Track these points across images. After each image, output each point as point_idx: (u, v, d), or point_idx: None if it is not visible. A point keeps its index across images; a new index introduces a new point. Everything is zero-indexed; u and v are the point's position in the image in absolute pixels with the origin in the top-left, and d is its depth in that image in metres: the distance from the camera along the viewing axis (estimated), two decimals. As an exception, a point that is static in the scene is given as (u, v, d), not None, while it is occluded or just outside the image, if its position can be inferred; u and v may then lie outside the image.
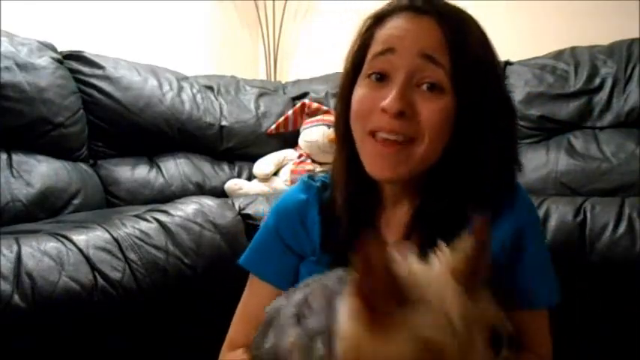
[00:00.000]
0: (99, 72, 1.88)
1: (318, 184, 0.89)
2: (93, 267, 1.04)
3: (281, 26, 2.79)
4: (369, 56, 0.80)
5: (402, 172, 0.78)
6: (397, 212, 0.84)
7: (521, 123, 1.91)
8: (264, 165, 2.05)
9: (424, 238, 0.76)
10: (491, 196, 0.80)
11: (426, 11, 0.78)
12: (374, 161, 0.78)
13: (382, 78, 0.78)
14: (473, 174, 0.79)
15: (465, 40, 0.78)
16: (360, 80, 0.81)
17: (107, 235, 1.12)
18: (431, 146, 0.77)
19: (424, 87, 0.76)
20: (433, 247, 0.60)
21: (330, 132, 1.90)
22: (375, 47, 0.79)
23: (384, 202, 0.84)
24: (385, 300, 0.48)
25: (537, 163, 1.75)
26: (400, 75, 0.76)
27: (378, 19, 0.81)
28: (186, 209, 1.31)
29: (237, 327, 0.87)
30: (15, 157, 1.55)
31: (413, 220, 0.81)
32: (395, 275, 0.48)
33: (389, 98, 0.75)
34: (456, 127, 0.77)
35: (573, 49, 1.92)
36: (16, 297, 0.91)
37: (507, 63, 2.03)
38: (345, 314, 0.51)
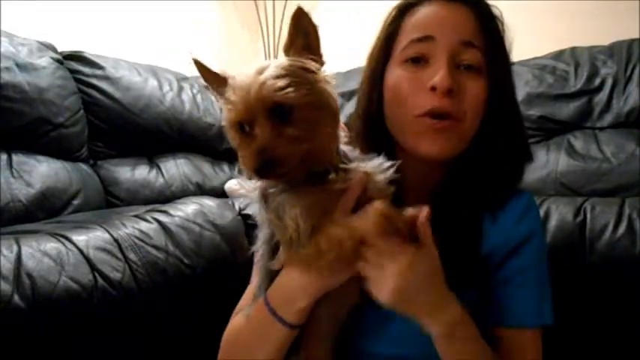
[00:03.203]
0: (99, 72, 1.88)
1: None
2: (93, 267, 1.04)
3: (281, 26, 2.79)
4: (404, 42, 0.81)
5: (452, 149, 0.80)
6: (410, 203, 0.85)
7: (521, 123, 1.91)
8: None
9: (441, 221, 0.77)
10: (502, 184, 0.84)
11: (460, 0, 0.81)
12: (426, 139, 0.79)
13: (419, 61, 0.80)
14: (493, 160, 0.82)
15: (495, 26, 0.82)
16: (394, 66, 0.82)
17: (107, 236, 1.12)
18: (472, 125, 0.80)
19: (462, 68, 0.79)
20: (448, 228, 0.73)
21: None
22: (410, 34, 0.81)
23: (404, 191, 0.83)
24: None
25: (537, 163, 1.75)
26: (442, 57, 0.78)
27: (407, 8, 0.83)
28: (186, 209, 1.31)
29: (248, 293, 0.89)
30: (15, 158, 1.55)
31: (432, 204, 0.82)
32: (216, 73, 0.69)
33: (438, 75, 0.77)
34: (487, 110, 0.81)
35: (573, 49, 1.92)
36: (16, 297, 0.91)
37: (507, 63, 2.03)
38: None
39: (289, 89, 0.63)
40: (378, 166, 0.73)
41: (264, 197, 0.71)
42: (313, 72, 0.67)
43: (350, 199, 0.69)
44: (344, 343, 0.80)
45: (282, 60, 0.66)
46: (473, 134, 0.82)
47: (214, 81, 0.70)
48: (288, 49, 0.67)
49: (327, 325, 0.77)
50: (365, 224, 0.65)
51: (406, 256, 0.66)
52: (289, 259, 0.70)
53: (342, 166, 0.71)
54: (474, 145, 0.82)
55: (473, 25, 0.80)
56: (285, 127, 0.64)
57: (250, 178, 0.68)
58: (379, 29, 0.87)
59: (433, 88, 0.77)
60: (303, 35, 0.66)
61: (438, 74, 0.77)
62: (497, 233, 0.82)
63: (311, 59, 0.67)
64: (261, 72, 0.64)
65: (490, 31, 0.81)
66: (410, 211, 0.68)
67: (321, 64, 0.68)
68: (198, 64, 0.70)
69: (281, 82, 0.63)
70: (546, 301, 0.82)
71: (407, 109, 0.80)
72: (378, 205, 0.66)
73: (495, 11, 0.84)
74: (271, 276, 0.75)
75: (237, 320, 0.84)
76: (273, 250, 0.72)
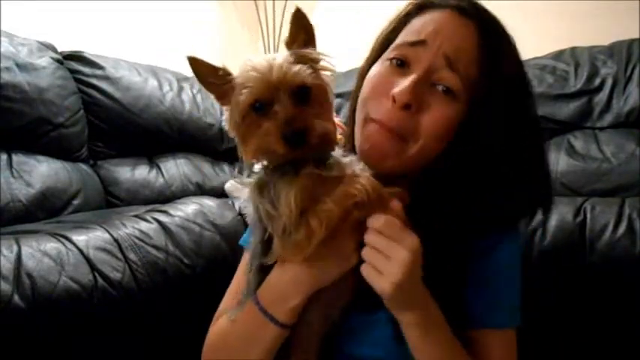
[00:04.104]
0: (99, 72, 1.88)
1: None
2: (93, 267, 1.04)
3: (281, 26, 2.79)
4: (398, 41, 0.80)
5: (390, 166, 0.78)
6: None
7: (521, 123, 1.91)
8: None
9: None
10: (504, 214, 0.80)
11: (470, 15, 0.78)
12: (365, 147, 0.79)
13: (402, 64, 0.78)
14: (475, 182, 0.78)
15: (501, 54, 0.78)
16: (381, 61, 0.82)
17: (107, 236, 1.12)
18: (425, 151, 0.77)
19: (440, 88, 0.76)
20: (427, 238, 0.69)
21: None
22: (407, 35, 0.80)
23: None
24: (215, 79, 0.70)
25: (537, 163, 1.75)
26: (419, 68, 0.76)
27: (420, 8, 0.81)
28: (186, 209, 1.31)
29: (227, 299, 0.89)
30: (15, 158, 1.55)
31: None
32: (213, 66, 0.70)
33: (401, 86, 0.75)
34: (459, 135, 0.77)
35: (573, 49, 1.91)
36: (16, 297, 0.91)
37: (507, 63, 2.03)
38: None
39: (307, 72, 0.67)
40: (362, 168, 0.74)
41: (260, 189, 0.71)
42: (317, 61, 0.70)
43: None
44: (329, 346, 0.79)
45: (288, 52, 0.70)
46: (428, 156, 0.78)
47: (211, 75, 0.70)
48: (291, 44, 0.70)
49: (317, 327, 0.76)
50: (349, 190, 0.66)
51: (412, 245, 0.66)
52: (282, 249, 0.69)
53: (334, 157, 0.72)
54: (442, 162, 0.79)
55: (471, 45, 0.76)
56: (303, 105, 0.67)
57: (269, 155, 0.68)
58: (387, 22, 0.85)
59: (393, 100, 0.76)
60: (304, 31, 0.70)
61: (401, 86, 0.75)
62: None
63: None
64: (275, 58, 0.68)
65: (492, 59, 0.77)
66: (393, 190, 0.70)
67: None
68: (193, 61, 0.70)
69: (299, 67, 0.67)
70: (515, 302, 0.81)
71: (366, 106, 0.80)
72: (362, 175, 0.69)
73: (508, 39, 0.81)
74: (260, 278, 0.75)
75: (220, 324, 0.83)
76: (266, 247, 0.72)
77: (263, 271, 0.74)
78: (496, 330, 0.79)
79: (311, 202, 0.67)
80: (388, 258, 0.66)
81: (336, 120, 0.73)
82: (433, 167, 0.79)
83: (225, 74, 0.70)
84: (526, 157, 0.80)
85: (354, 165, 0.73)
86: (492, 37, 0.78)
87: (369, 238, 0.68)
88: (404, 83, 0.75)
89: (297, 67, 0.67)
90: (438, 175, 0.79)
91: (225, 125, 0.72)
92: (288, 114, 0.65)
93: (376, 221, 0.68)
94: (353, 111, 0.87)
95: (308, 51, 0.70)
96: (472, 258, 0.78)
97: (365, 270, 0.68)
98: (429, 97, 0.76)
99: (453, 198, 0.78)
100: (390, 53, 0.80)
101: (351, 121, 0.87)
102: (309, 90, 0.67)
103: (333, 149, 0.73)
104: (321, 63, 0.71)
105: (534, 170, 0.81)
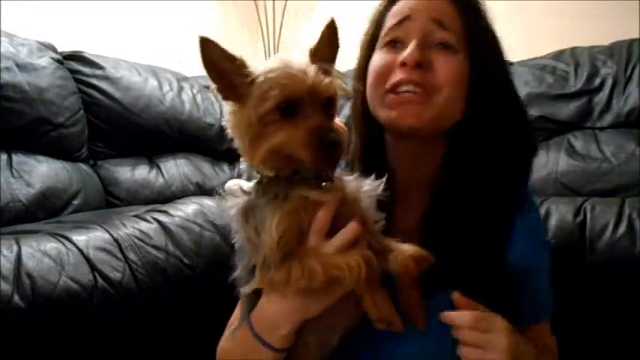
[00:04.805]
0: (99, 72, 1.87)
1: None
2: (93, 267, 1.04)
3: (281, 26, 2.79)
4: (383, 32, 0.84)
5: (426, 120, 0.79)
6: (410, 202, 0.85)
7: (521, 123, 1.91)
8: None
9: (442, 226, 0.80)
10: (507, 184, 0.83)
11: None
12: (397, 111, 0.80)
13: (396, 44, 0.82)
14: (488, 155, 0.81)
15: (476, 9, 0.83)
16: (376, 53, 0.85)
17: (107, 236, 1.12)
18: (450, 99, 0.80)
19: (439, 46, 0.80)
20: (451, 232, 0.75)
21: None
22: (391, 19, 0.84)
23: (398, 192, 0.84)
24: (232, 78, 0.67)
25: (537, 163, 1.73)
26: (414, 37, 0.80)
27: (390, 2, 0.86)
28: (186, 209, 1.31)
29: (238, 309, 0.88)
30: (15, 158, 1.55)
31: (430, 210, 0.83)
32: (233, 58, 0.67)
33: (406, 51, 0.79)
34: (471, 93, 0.81)
35: (573, 49, 1.91)
36: (16, 297, 0.91)
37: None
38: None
39: (337, 85, 0.67)
40: (368, 189, 0.73)
41: (246, 214, 0.69)
42: (337, 79, 0.70)
43: (323, 219, 0.68)
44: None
45: (313, 64, 0.68)
46: (454, 116, 0.82)
47: (224, 63, 0.67)
48: (316, 54, 0.70)
49: (316, 349, 0.75)
50: (340, 263, 0.64)
51: (503, 325, 0.70)
52: (261, 282, 0.68)
53: (336, 178, 0.71)
54: (466, 132, 0.82)
55: (448, 8, 0.81)
56: (329, 118, 0.66)
57: (286, 160, 0.65)
58: (366, 25, 0.89)
59: (403, 64, 0.79)
60: (331, 47, 0.71)
61: (407, 51, 0.79)
62: (520, 240, 0.82)
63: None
64: (307, 65, 0.66)
65: (469, 13, 0.82)
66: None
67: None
68: (206, 42, 0.66)
69: (329, 79, 0.66)
70: (550, 293, 0.86)
71: (380, 85, 0.82)
72: (361, 248, 0.67)
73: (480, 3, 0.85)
74: (251, 301, 0.74)
75: (224, 340, 0.84)
76: (250, 274, 0.71)
77: (255, 294, 0.74)
78: (544, 322, 0.85)
79: (296, 234, 0.66)
80: (487, 349, 0.69)
81: (337, 120, 0.73)
82: (456, 142, 0.82)
83: (242, 65, 0.67)
84: (514, 107, 0.86)
85: (359, 184, 0.72)
86: (462, 2, 0.83)
87: (465, 336, 0.69)
88: (408, 49, 0.79)
89: (328, 79, 0.66)
90: (470, 138, 0.82)
91: (227, 123, 0.69)
92: (322, 122, 0.64)
93: (464, 319, 0.70)
94: (357, 116, 0.89)
95: (334, 68, 0.69)
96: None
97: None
98: (433, 56, 0.80)
99: (479, 165, 0.82)
100: (382, 41, 0.84)
101: (355, 116, 0.89)
102: (334, 103, 0.67)
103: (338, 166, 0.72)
104: (339, 81, 0.70)
105: (519, 119, 0.86)
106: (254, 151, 0.66)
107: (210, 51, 0.66)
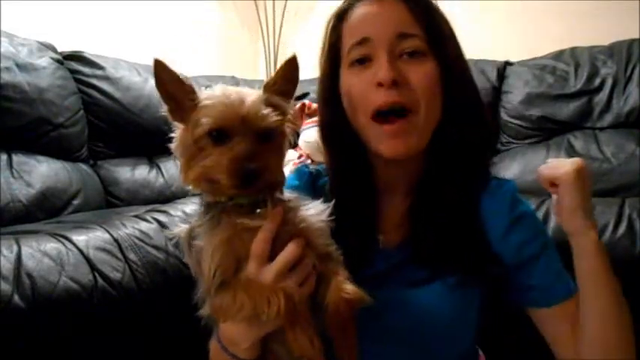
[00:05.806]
0: (99, 72, 1.88)
1: (312, 171, 0.93)
2: (93, 267, 1.04)
3: (281, 26, 2.79)
4: (346, 49, 0.83)
5: (412, 144, 0.80)
6: (394, 199, 0.87)
7: (521, 123, 1.91)
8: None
9: (423, 225, 0.82)
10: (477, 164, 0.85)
11: None
12: (384, 142, 0.81)
13: (364, 61, 0.82)
14: (462, 151, 0.83)
15: (431, 12, 0.82)
16: (343, 74, 0.85)
17: (107, 236, 1.12)
18: (428, 113, 0.80)
19: (405, 56, 0.80)
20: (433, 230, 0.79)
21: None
22: (349, 39, 0.83)
23: (380, 190, 0.87)
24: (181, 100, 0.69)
25: (537, 163, 1.74)
26: (382, 53, 0.80)
27: (340, 17, 0.85)
28: (186, 209, 1.31)
29: None
30: (15, 158, 1.55)
31: (412, 207, 0.85)
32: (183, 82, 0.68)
33: (380, 71, 0.79)
34: (444, 95, 0.82)
35: (573, 49, 1.92)
36: (16, 297, 0.91)
37: (507, 63, 2.03)
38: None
39: (275, 118, 0.68)
40: (313, 212, 0.74)
41: (190, 240, 0.71)
42: (286, 113, 0.71)
43: (261, 244, 0.69)
44: None
45: (264, 94, 0.70)
46: (434, 123, 0.82)
47: (174, 85, 0.69)
48: (271, 87, 0.71)
49: (285, 357, 0.74)
50: (261, 298, 0.66)
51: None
52: (208, 308, 0.70)
53: (278, 202, 0.72)
54: (444, 130, 0.83)
55: (406, 17, 0.81)
56: (262, 146, 0.67)
57: (211, 185, 0.67)
58: (322, 38, 0.89)
59: (380, 84, 0.78)
60: (288, 83, 0.72)
61: (380, 70, 0.79)
62: (493, 219, 0.83)
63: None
64: (248, 95, 0.68)
65: (427, 18, 0.81)
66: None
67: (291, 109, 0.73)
68: (159, 64, 0.68)
69: (269, 110, 0.68)
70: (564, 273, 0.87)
71: (361, 111, 0.82)
72: (302, 271, 0.69)
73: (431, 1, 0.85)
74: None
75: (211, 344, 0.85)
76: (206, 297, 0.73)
77: None
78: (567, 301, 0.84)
79: (233, 263, 0.68)
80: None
81: (306, 101, 0.73)
82: (434, 141, 0.83)
83: (190, 90, 0.69)
84: (475, 99, 0.86)
85: (305, 208, 0.73)
86: (417, 3, 0.82)
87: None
88: (379, 67, 0.79)
89: (267, 110, 0.67)
90: (449, 139, 0.83)
91: (172, 144, 0.71)
92: (247, 151, 0.65)
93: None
94: (326, 125, 0.90)
95: (282, 102, 0.71)
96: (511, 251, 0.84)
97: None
98: (405, 67, 0.80)
99: (457, 160, 0.83)
100: (347, 60, 0.83)
101: (325, 132, 0.90)
102: (272, 134, 0.68)
103: (281, 192, 0.73)
104: (288, 116, 0.72)
105: (478, 107, 0.87)
106: (187, 170, 0.69)
107: (163, 73, 0.68)
